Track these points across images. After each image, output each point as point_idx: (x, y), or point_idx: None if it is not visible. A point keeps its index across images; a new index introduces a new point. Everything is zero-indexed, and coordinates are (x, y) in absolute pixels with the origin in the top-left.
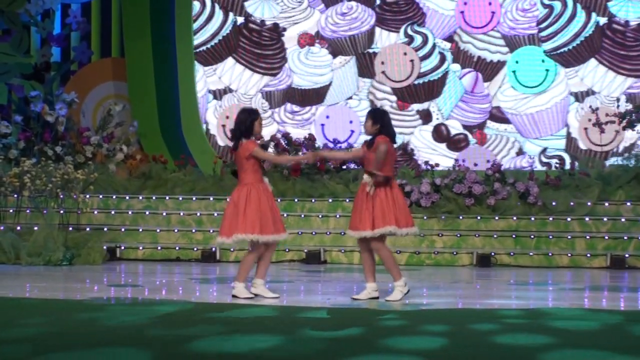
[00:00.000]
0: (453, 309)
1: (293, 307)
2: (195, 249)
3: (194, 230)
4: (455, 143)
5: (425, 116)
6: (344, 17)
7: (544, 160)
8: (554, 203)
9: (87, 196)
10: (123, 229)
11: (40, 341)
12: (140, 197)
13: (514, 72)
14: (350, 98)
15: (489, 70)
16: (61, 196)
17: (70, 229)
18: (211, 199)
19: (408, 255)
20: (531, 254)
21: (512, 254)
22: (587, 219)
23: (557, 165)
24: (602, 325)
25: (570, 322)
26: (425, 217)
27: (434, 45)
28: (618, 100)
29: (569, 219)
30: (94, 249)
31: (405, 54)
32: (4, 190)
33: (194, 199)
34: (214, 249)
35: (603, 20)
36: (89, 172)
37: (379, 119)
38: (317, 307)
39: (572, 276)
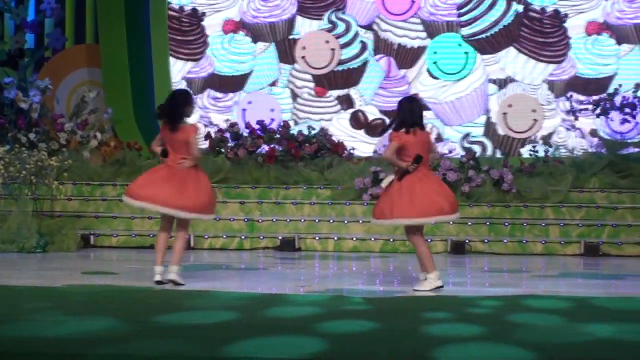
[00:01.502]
0: (424, 297)
1: (267, 294)
2: (169, 236)
3: None
4: (374, 129)
5: (345, 102)
6: (265, 3)
7: (466, 145)
8: (528, 190)
9: (61, 183)
10: (97, 216)
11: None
12: (115, 184)
13: (434, 62)
14: (272, 85)
15: (408, 56)
16: (35, 183)
17: (44, 216)
18: None
19: (382, 243)
20: (505, 241)
21: (486, 241)
22: (561, 206)
23: (532, 152)
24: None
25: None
26: None
27: (356, 33)
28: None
29: (543, 206)
30: (68, 236)
31: (327, 42)
32: None
33: None
34: (188, 236)
35: (520, 8)
36: (62, 159)
37: (399, 108)
38: (290, 294)
39: (546, 263)
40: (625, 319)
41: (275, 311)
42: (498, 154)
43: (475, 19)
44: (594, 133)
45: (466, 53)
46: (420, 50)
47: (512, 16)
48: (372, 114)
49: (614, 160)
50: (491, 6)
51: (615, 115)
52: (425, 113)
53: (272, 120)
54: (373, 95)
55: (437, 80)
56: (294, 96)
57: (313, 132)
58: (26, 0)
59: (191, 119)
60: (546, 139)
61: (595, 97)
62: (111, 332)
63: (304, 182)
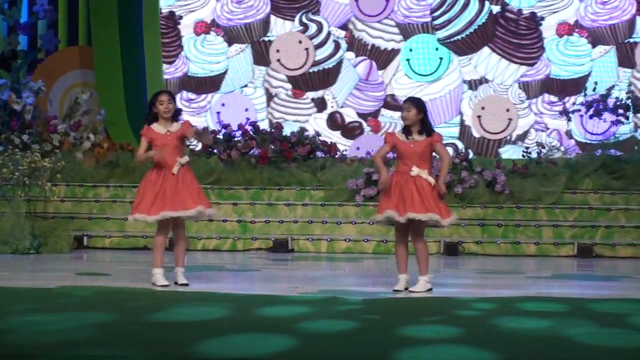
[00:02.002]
0: (423, 298)
1: (259, 295)
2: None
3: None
4: (350, 131)
5: (320, 104)
6: (239, 5)
7: None
8: (521, 192)
9: (54, 185)
10: (90, 218)
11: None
12: (108, 186)
13: (407, 60)
14: (246, 86)
15: (383, 58)
16: (28, 184)
17: (37, 217)
18: None
19: (375, 244)
20: (499, 242)
21: (479, 242)
22: (554, 207)
23: (525, 153)
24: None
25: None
26: None
27: (329, 34)
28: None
29: (536, 208)
30: (61, 237)
31: (300, 42)
32: None
33: None
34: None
35: (496, 9)
36: (56, 161)
37: (422, 108)
38: (284, 295)
39: (540, 265)
40: (617, 322)
41: (266, 311)
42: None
43: (449, 21)
44: (569, 134)
45: (441, 58)
46: (395, 51)
47: (486, 16)
48: (349, 115)
49: (607, 161)
50: (464, 7)
51: (608, 116)
52: (399, 113)
53: (248, 119)
54: (348, 97)
55: (412, 81)
56: (269, 97)
57: (306, 133)
58: (19, 2)
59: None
60: (522, 139)
61: (589, 99)
62: (104, 333)
63: (297, 184)
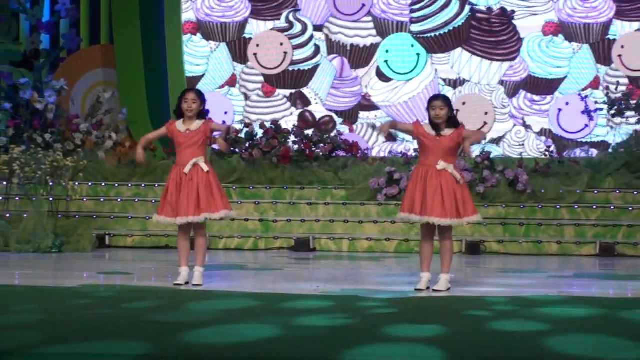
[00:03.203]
0: (444, 297)
1: (282, 294)
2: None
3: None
4: (321, 127)
5: (302, 101)
6: (220, 2)
7: None
8: (543, 190)
9: (77, 183)
10: (112, 217)
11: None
12: (130, 185)
13: (386, 62)
14: (224, 86)
15: (360, 56)
16: (50, 183)
17: (60, 216)
18: None
19: (397, 243)
20: (520, 241)
21: (501, 241)
22: (576, 206)
23: (547, 152)
24: (592, 311)
25: (559, 309)
26: None
27: (312, 36)
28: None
29: (558, 207)
30: (83, 236)
31: (281, 44)
32: None
33: None
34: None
35: (467, 10)
36: (78, 160)
37: (451, 105)
38: (306, 294)
39: (561, 264)
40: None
41: (287, 310)
42: None
43: (426, 17)
44: (545, 133)
45: (418, 54)
46: (372, 49)
47: (464, 18)
48: (321, 112)
49: (630, 160)
50: (444, 7)
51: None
52: (376, 113)
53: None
54: (325, 95)
55: (390, 80)
56: (246, 96)
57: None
58: (41, 1)
59: None
60: (498, 141)
61: (611, 97)
62: (125, 332)
63: (319, 183)
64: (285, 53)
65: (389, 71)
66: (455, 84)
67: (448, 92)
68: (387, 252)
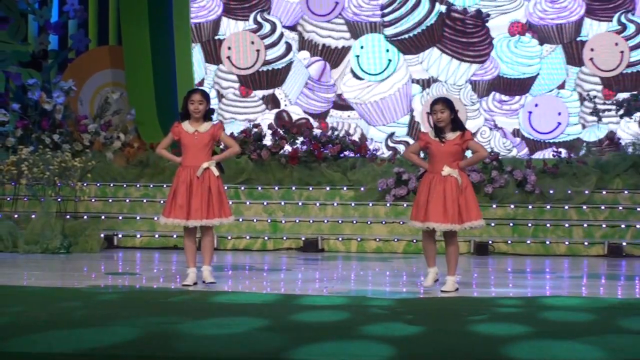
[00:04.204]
0: (449, 298)
1: (291, 295)
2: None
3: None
4: (298, 128)
5: (272, 102)
6: (192, 3)
7: (391, 145)
8: (551, 191)
9: (85, 184)
10: (120, 217)
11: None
12: (138, 185)
13: (358, 62)
14: (200, 84)
15: (332, 57)
16: (59, 184)
17: (68, 217)
18: None
19: (405, 244)
20: (529, 242)
21: (509, 242)
22: (584, 207)
23: (555, 153)
24: (595, 315)
25: (562, 312)
26: None
27: (282, 34)
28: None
29: (566, 207)
30: (92, 237)
31: (252, 42)
32: (2, 178)
33: None
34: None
35: (443, 9)
36: (86, 160)
37: (453, 107)
38: (314, 294)
39: (570, 264)
40: None
41: (295, 310)
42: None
43: (398, 19)
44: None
45: (390, 60)
46: (345, 50)
47: (436, 17)
48: (297, 114)
49: (638, 161)
50: (415, 7)
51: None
52: (349, 113)
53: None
54: (298, 96)
55: (362, 80)
56: (220, 96)
57: (335, 133)
58: (50, 2)
59: None
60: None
61: (619, 98)
62: (133, 333)
63: (327, 183)
64: (258, 51)
65: (361, 72)
66: (424, 83)
67: (418, 92)
68: (395, 253)
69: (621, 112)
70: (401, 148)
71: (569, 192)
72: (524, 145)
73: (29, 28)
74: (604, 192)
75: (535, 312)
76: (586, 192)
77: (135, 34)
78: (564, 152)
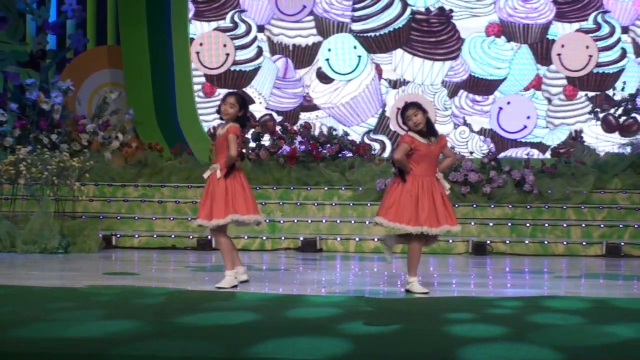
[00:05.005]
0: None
1: (288, 295)
2: (191, 236)
3: (189, 218)
4: (263, 126)
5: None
6: None
7: (367, 141)
8: (549, 191)
9: (83, 184)
10: (119, 217)
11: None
12: (136, 185)
13: (327, 61)
14: None
15: (301, 57)
16: (57, 184)
17: (66, 217)
18: None
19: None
20: (527, 242)
21: (507, 242)
22: (582, 207)
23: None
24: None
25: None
26: None
27: (255, 37)
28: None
29: (564, 207)
30: (90, 237)
31: (224, 45)
32: (0, 178)
33: (189, 186)
34: (209, 237)
35: (408, 12)
36: (84, 160)
37: (425, 108)
38: (312, 295)
39: (568, 264)
40: None
41: (296, 312)
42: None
43: (367, 17)
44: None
45: (359, 56)
46: (314, 49)
47: (405, 20)
48: (261, 112)
49: (636, 161)
50: (386, 7)
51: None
52: (317, 113)
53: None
54: (268, 96)
55: (332, 80)
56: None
57: (334, 132)
58: (48, 2)
59: None
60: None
61: (618, 98)
62: (132, 333)
63: (325, 183)
64: (228, 55)
65: (330, 71)
66: (396, 84)
67: (391, 93)
68: (393, 253)
69: (619, 112)
70: (376, 146)
71: (567, 192)
72: (494, 146)
73: (27, 28)
74: (602, 192)
75: (531, 311)
76: (584, 192)
77: (134, 33)
78: (535, 153)
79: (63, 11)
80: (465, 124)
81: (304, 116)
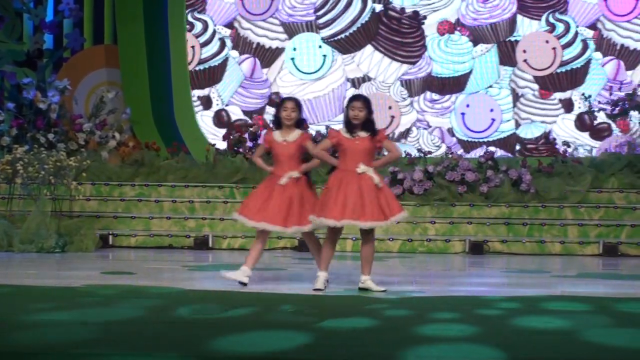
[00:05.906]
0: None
1: (282, 294)
2: (188, 236)
3: (186, 218)
4: (237, 128)
5: (206, 102)
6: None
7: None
8: (546, 190)
9: (80, 183)
10: (115, 216)
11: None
12: (133, 185)
13: (292, 58)
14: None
15: (267, 56)
16: (54, 183)
17: (63, 216)
18: (204, 186)
19: (400, 243)
20: (524, 241)
21: (504, 241)
22: (579, 206)
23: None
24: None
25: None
26: (417, 205)
27: (214, 32)
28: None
29: (561, 207)
30: (87, 236)
31: (192, 47)
32: None
33: (186, 186)
34: (206, 236)
35: (380, 7)
36: (81, 160)
37: (371, 107)
38: (309, 294)
39: (565, 264)
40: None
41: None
42: None
43: (333, 20)
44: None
45: (324, 56)
46: (280, 50)
47: (369, 14)
48: (235, 114)
49: (633, 160)
50: (347, 6)
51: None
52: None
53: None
54: (233, 95)
55: (296, 79)
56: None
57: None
58: (45, 1)
59: None
60: (406, 135)
61: (614, 97)
62: (128, 332)
63: (322, 183)
64: (193, 47)
65: (296, 71)
66: (358, 82)
67: (350, 90)
68: (390, 252)
69: (616, 111)
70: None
71: (565, 191)
72: (459, 145)
73: (24, 27)
74: (599, 192)
75: (528, 310)
76: (581, 191)
77: (131, 33)
78: (498, 151)
79: (60, 10)
80: (427, 125)
81: (272, 111)
